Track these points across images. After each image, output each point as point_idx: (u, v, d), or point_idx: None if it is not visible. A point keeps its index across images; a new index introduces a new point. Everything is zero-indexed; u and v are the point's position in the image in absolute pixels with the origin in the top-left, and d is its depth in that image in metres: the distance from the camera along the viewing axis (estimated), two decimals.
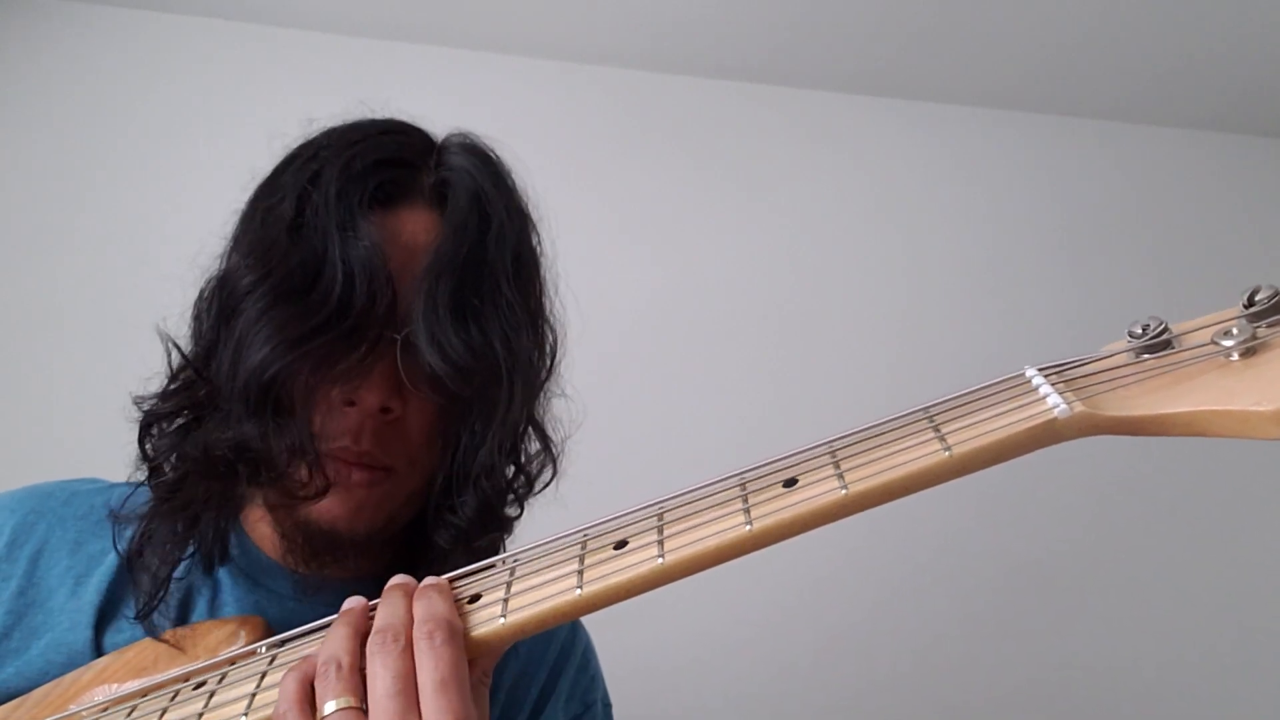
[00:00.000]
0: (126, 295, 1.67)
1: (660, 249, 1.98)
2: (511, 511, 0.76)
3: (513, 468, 0.76)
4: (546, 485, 0.78)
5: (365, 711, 0.51)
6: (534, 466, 0.77)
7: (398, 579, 0.58)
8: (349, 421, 0.67)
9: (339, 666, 0.52)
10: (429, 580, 0.57)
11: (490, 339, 0.69)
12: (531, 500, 0.78)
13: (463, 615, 0.55)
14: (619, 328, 1.83)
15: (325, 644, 0.54)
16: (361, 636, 0.54)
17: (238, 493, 0.70)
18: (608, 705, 0.88)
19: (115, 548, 0.73)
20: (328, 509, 0.68)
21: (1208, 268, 2.14)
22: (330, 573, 0.73)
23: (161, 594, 0.69)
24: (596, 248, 1.85)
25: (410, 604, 0.55)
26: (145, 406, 0.71)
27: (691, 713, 1.67)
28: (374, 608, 0.57)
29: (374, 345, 0.66)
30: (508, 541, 0.76)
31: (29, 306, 1.66)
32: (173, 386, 0.71)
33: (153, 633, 0.68)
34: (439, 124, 0.79)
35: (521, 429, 0.75)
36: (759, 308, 1.98)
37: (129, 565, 0.71)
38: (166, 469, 0.69)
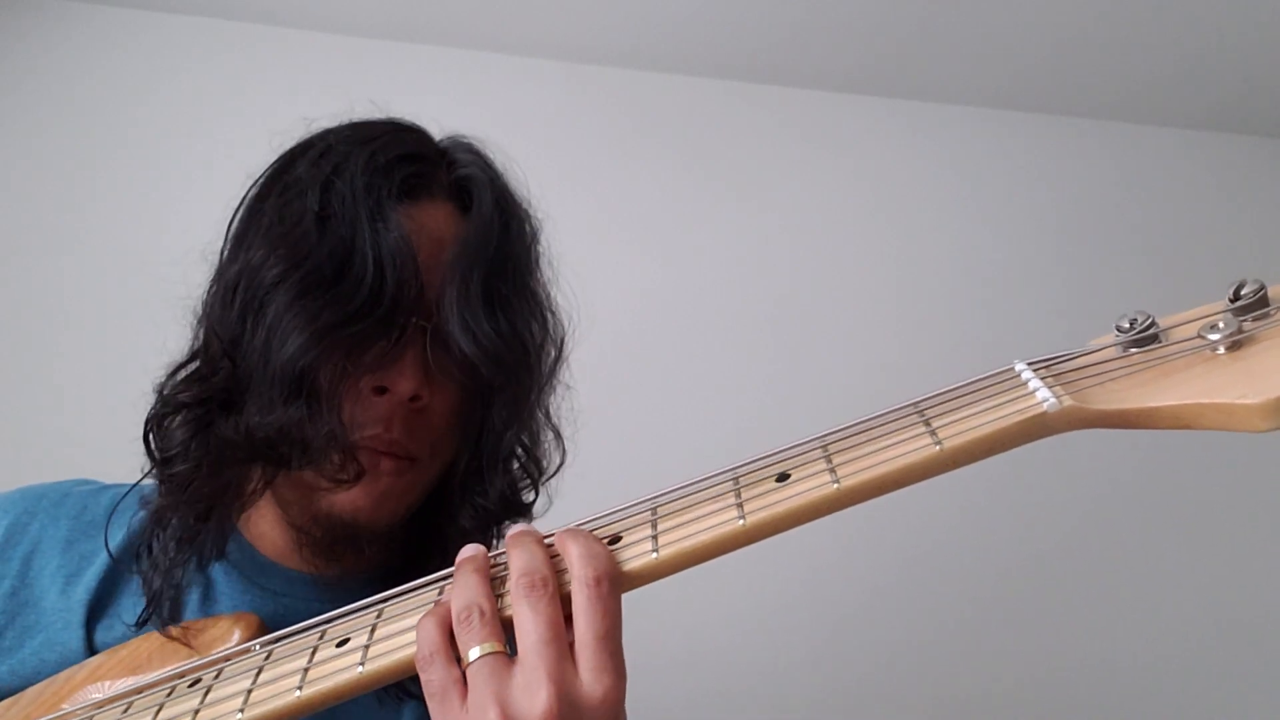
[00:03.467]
0: (127, 295, 1.67)
1: (658, 248, 1.98)
2: (528, 497, 0.79)
3: (525, 454, 0.79)
4: (556, 471, 0.81)
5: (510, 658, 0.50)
6: (546, 453, 0.80)
7: (521, 527, 0.57)
8: (379, 410, 0.68)
9: (481, 612, 0.51)
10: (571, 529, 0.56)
11: (517, 327, 0.72)
12: (545, 486, 0.81)
13: None
14: (616, 327, 1.83)
15: (458, 591, 0.53)
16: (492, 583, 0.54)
17: (249, 488, 0.70)
18: None
19: (106, 547, 0.74)
20: (351, 500, 0.68)
21: (1207, 268, 2.13)
22: (331, 570, 0.74)
23: (172, 591, 0.70)
24: (595, 246, 1.85)
25: (545, 552, 0.53)
26: (166, 393, 0.70)
27: (687, 709, 1.67)
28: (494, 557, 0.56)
29: (403, 333, 0.68)
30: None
31: (29, 306, 1.67)
32: (193, 375, 0.70)
33: (163, 625, 0.69)
34: (440, 124, 0.81)
35: (540, 415, 0.78)
36: (756, 307, 1.98)
37: (136, 559, 0.71)
38: (179, 461, 0.68)
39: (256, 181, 0.76)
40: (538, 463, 0.79)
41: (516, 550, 0.53)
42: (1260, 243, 2.22)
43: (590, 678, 0.48)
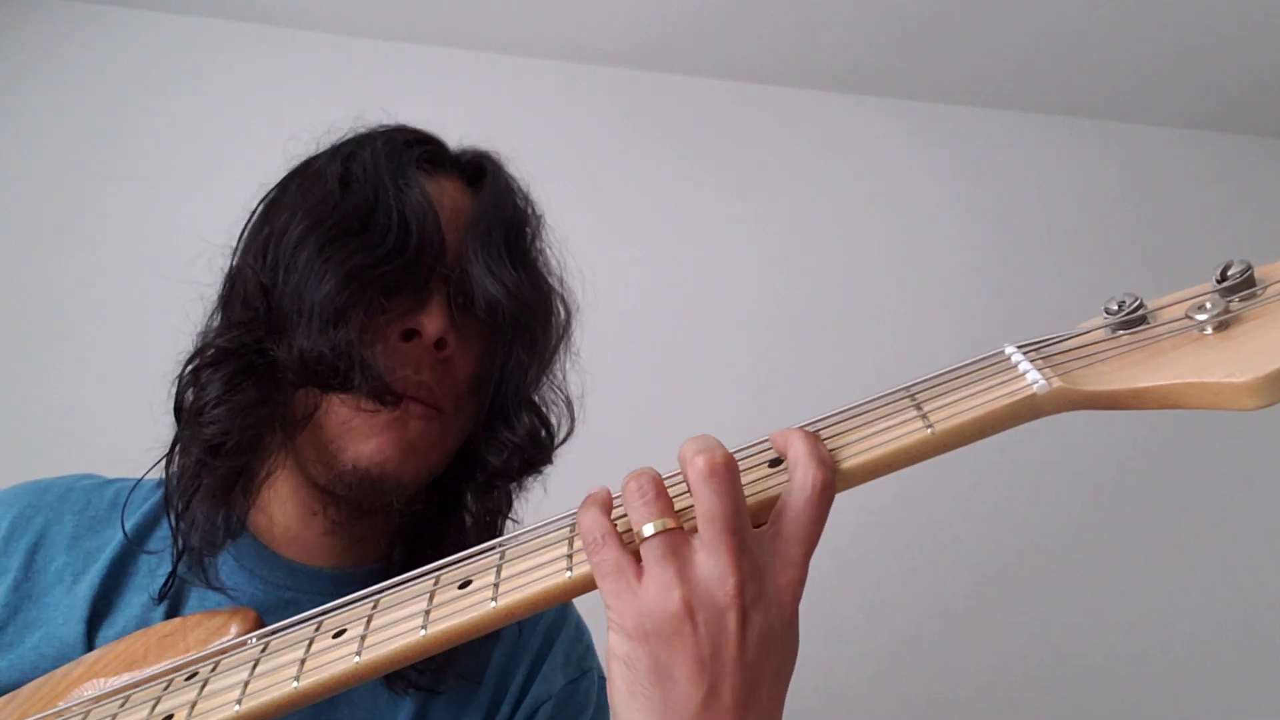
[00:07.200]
0: (128, 295, 1.68)
1: (657, 247, 1.98)
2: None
3: (540, 409, 0.81)
4: (567, 437, 0.83)
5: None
6: (556, 417, 0.83)
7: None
8: (408, 355, 0.71)
9: (658, 490, 0.50)
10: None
11: (537, 278, 0.79)
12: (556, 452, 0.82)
13: (453, 600, 0.55)
14: (615, 326, 1.83)
15: (631, 476, 0.51)
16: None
17: (272, 457, 0.72)
18: (604, 679, 0.86)
19: (123, 529, 0.75)
20: (379, 449, 0.70)
21: (1207, 268, 2.12)
22: (354, 532, 0.75)
23: (207, 554, 0.71)
24: (594, 246, 1.84)
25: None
26: (202, 343, 0.72)
27: None
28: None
29: (428, 280, 0.72)
30: (512, 523, 0.80)
31: (30, 306, 1.67)
32: (228, 323, 0.72)
33: (206, 584, 0.70)
34: (440, 124, 0.84)
35: (555, 367, 0.82)
36: (755, 306, 1.98)
37: (175, 521, 0.72)
38: (217, 407, 0.68)
39: (271, 190, 0.79)
40: (546, 421, 0.81)
41: (697, 441, 0.51)
42: (1260, 242, 2.22)
43: (779, 565, 0.48)
